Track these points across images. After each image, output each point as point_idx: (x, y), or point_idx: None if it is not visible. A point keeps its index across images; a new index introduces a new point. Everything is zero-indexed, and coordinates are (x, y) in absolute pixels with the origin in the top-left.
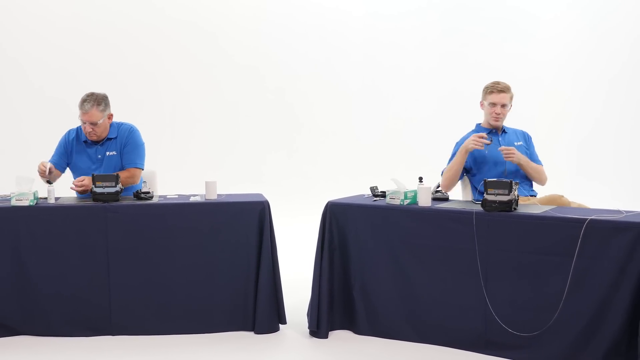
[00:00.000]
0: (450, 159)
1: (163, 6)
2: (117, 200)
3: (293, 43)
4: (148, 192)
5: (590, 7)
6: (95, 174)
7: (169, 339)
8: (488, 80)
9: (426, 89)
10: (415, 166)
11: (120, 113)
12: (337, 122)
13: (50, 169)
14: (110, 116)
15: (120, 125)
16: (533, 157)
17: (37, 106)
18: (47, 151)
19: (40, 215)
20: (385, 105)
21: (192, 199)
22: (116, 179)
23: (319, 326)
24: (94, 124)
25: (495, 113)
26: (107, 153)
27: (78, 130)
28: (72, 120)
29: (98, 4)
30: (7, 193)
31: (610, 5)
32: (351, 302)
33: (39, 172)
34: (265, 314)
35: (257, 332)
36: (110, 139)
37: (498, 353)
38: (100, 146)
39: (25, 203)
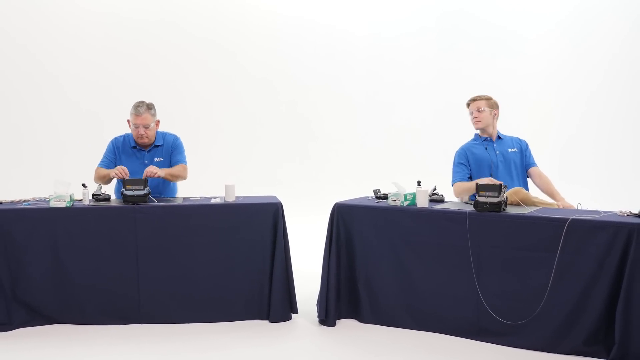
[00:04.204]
0: (454, 169)
1: (187, 27)
2: (145, 202)
3: (304, 60)
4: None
5: (571, 28)
6: (127, 178)
7: (192, 327)
8: (481, 93)
9: (424, 101)
10: (414, 171)
11: None
12: (344, 131)
13: (126, 172)
14: (158, 122)
15: (165, 134)
16: (529, 161)
17: (74, 118)
18: (81, 158)
19: (76, 215)
20: (387, 115)
21: (213, 201)
22: (144, 183)
23: (327, 315)
24: (146, 126)
25: (473, 117)
26: (155, 159)
27: (125, 137)
28: (105, 130)
29: (130, 26)
30: (46, 195)
31: (589, 26)
32: (356, 294)
33: (117, 175)
34: (278, 304)
35: (271, 321)
36: (158, 146)
37: (489, 339)
38: (147, 152)
39: (63, 204)
